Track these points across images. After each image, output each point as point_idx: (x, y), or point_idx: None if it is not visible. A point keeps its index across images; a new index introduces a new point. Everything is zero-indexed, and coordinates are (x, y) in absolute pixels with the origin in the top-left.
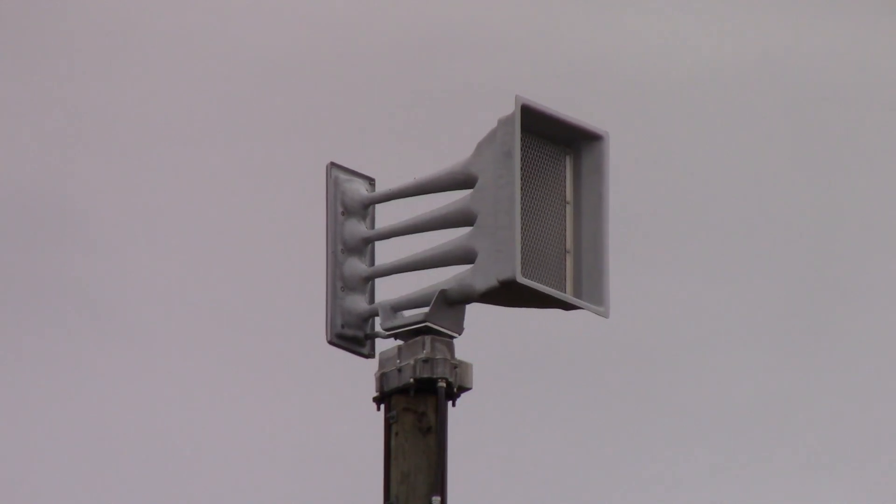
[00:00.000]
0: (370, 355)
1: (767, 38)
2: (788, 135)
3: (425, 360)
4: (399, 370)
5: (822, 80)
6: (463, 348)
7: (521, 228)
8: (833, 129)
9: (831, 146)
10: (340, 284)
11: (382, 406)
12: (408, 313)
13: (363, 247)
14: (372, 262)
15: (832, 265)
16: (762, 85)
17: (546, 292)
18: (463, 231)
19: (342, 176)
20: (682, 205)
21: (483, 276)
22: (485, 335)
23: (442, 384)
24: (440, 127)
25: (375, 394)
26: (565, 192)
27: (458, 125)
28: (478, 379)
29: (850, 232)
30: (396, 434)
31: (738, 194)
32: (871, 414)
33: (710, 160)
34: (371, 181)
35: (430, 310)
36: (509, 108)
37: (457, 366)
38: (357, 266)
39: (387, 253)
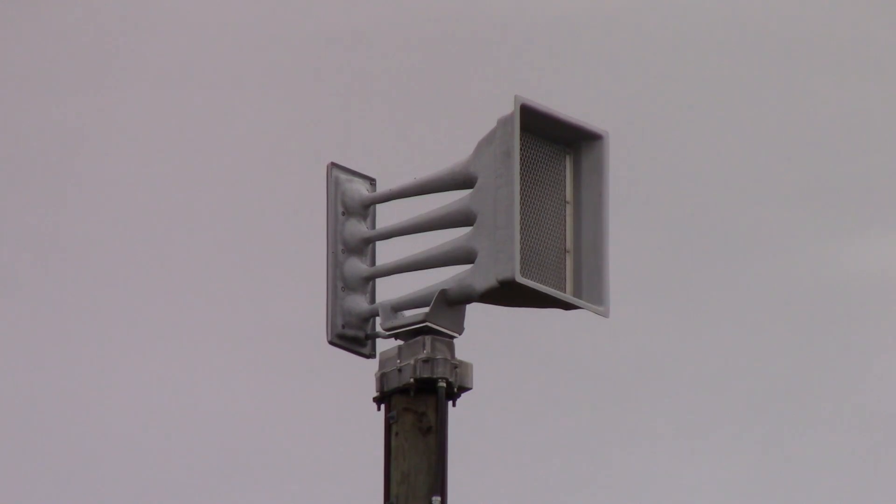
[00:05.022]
0: (370, 355)
1: None
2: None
3: (425, 360)
4: (399, 370)
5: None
6: (463, 348)
7: (521, 228)
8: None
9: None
10: (341, 284)
11: (382, 406)
12: (408, 313)
13: (364, 247)
14: (372, 263)
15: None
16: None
17: (546, 292)
18: (463, 231)
19: (342, 176)
20: None
21: (483, 276)
22: (485, 335)
23: (442, 384)
24: (440, 127)
25: (375, 394)
26: (565, 191)
27: (458, 125)
28: (478, 379)
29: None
30: (396, 434)
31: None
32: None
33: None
34: (371, 181)
35: (430, 310)
36: (509, 107)
37: (457, 366)
38: (357, 266)
39: (387, 253)
